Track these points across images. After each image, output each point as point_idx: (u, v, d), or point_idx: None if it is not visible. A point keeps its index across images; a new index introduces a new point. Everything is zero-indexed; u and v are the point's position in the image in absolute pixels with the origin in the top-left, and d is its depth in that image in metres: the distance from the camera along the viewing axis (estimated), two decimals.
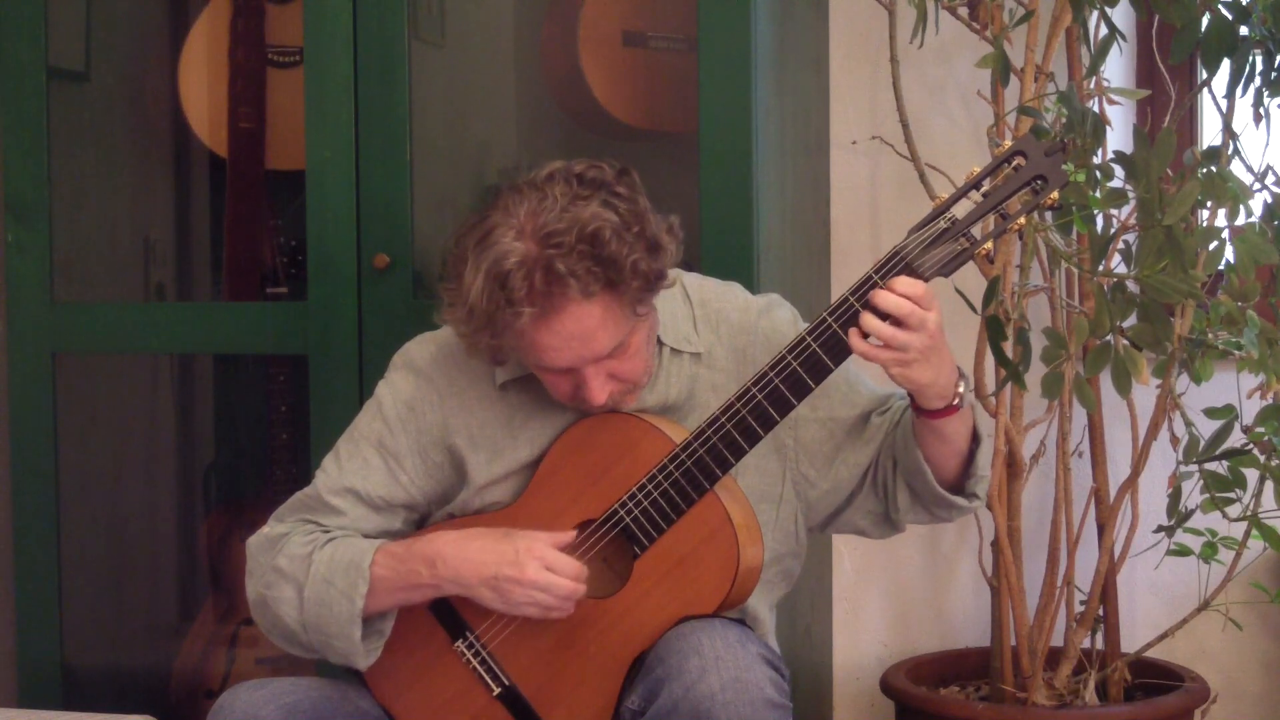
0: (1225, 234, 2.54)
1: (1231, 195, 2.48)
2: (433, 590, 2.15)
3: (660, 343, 2.21)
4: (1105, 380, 2.58)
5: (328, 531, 2.20)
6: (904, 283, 2.02)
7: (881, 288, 2.02)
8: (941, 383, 2.07)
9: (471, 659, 2.19)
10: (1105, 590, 2.92)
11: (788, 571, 2.30)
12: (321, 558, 2.16)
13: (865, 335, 2.03)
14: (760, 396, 2.08)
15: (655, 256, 2.07)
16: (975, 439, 2.18)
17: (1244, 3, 2.56)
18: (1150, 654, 2.94)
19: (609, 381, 2.10)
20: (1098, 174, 2.58)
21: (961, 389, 2.10)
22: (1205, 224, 2.65)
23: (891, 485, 2.22)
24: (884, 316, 2.01)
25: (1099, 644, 2.95)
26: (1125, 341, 2.51)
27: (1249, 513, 2.65)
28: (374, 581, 2.13)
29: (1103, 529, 2.89)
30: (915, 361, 2.03)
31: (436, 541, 2.14)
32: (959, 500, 2.19)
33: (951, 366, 2.09)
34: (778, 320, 2.25)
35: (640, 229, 2.06)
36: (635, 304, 2.07)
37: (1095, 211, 2.52)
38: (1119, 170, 2.57)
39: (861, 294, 2.03)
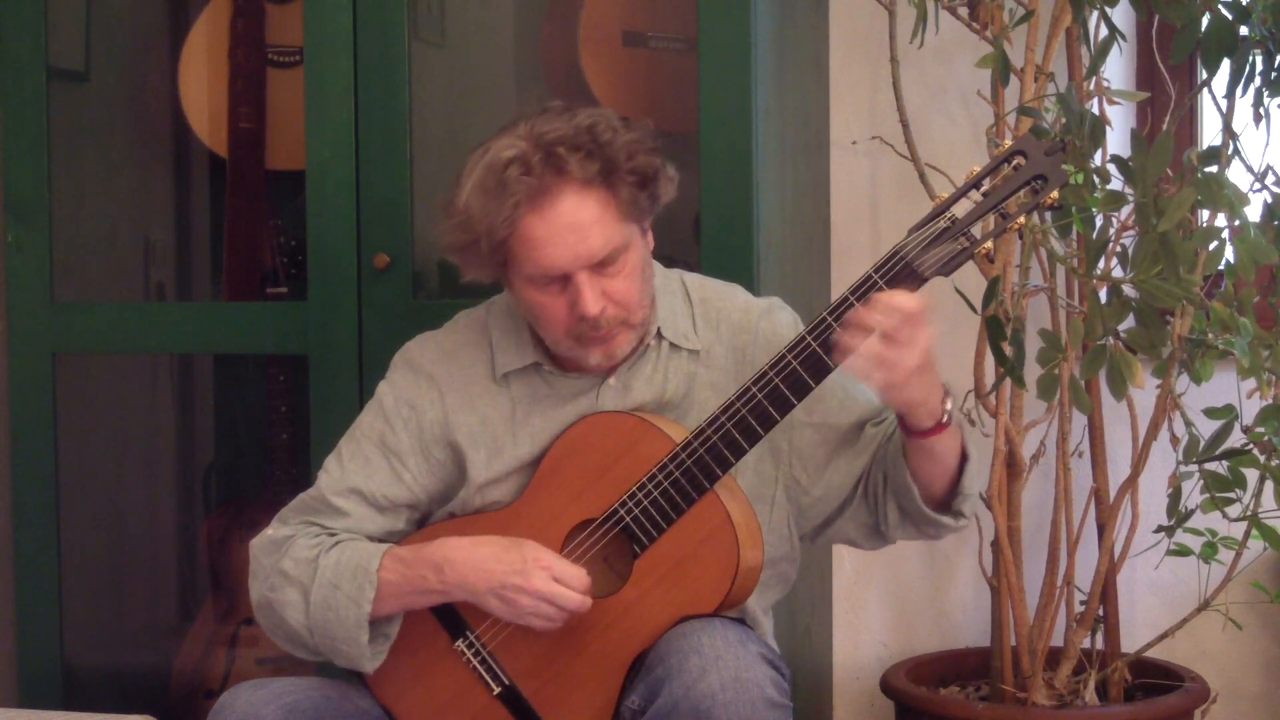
0: (1225, 234, 2.54)
1: (1227, 201, 2.48)
2: (440, 596, 2.15)
3: (659, 335, 2.21)
4: (1104, 380, 2.58)
5: (333, 534, 2.20)
6: (898, 296, 2.01)
7: (862, 306, 2.02)
8: (932, 401, 2.07)
9: (471, 659, 2.19)
10: (1105, 590, 2.92)
11: (783, 575, 2.30)
12: (328, 562, 2.16)
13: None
14: (760, 396, 2.08)
15: (651, 154, 2.11)
16: (964, 457, 2.18)
17: (1244, 3, 2.56)
18: (1150, 654, 2.94)
19: (602, 297, 2.10)
20: (1095, 177, 2.58)
21: (949, 406, 2.10)
22: (1205, 224, 2.65)
23: (882, 499, 2.22)
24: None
25: (1099, 644, 2.95)
26: (1120, 345, 2.51)
27: (1249, 513, 2.65)
28: (381, 586, 2.13)
29: (1103, 529, 2.89)
30: (905, 383, 2.03)
31: (445, 547, 2.14)
32: (945, 519, 2.19)
33: (937, 383, 2.09)
34: (778, 323, 2.25)
35: (634, 131, 2.10)
36: (631, 205, 2.09)
37: (1094, 212, 2.52)
38: (1117, 172, 2.57)
39: (862, 293, 2.04)
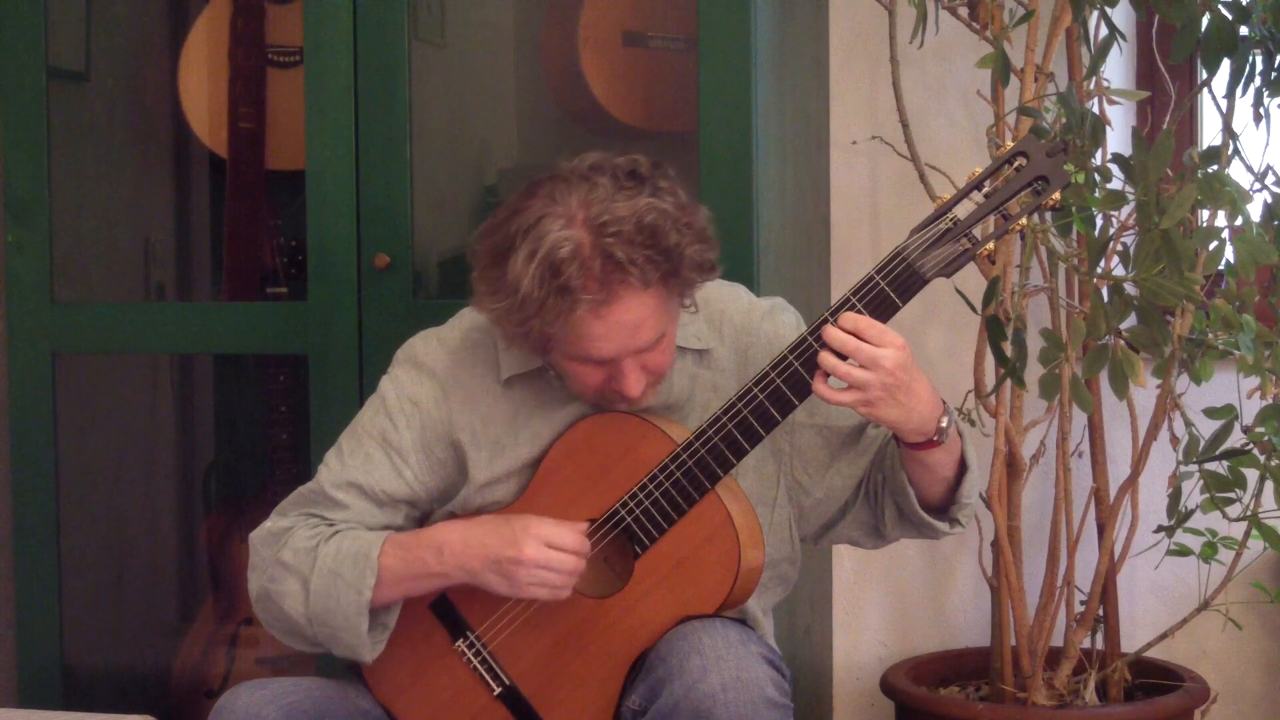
0: (1225, 234, 2.55)
1: (1229, 199, 2.48)
2: (441, 579, 2.15)
3: None
4: (1105, 380, 2.58)
5: (332, 524, 2.20)
6: (848, 319, 2.01)
7: (833, 324, 2.02)
8: (916, 420, 2.06)
9: (472, 658, 2.19)
10: (1105, 590, 2.92)
11: (783, 577, 2.30)
12: (328, 550, 2.16)
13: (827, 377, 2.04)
14: (761, 396, 2.08)
15: (708, 247, 2.08)
16: (964, 467, 2.18)
17: (1244, 3, 2.57)
18: (1150, 654, 2.94)
19: (643, 374, 2.10)
20: (1096, 176, 2.58)
21: (944, 423, 2.09)
22: (1205, 224, 2.65)
23: (881, 499, 2.23)
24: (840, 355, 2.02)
25: (1099, 644, 2.95)
26: (1122, 344, 2.51)
27: (1249, 513, 2.65)
28: (382, 571, 2.13)
29: (1103, 529, 2.89)
30: (879, 400, 2.02)
31: (444, 530, 2.15)
32: (941, 525, 2.20)
33: (929, 403, 2.07)
34: (780, 324, 2.25)
35: (689, 220, 2.06)
36: (684, 296, 2.08)
37: (1095, 212, 2.53)
38: (1118, 171, 2.57)
39: (863, 293, 2.04)
